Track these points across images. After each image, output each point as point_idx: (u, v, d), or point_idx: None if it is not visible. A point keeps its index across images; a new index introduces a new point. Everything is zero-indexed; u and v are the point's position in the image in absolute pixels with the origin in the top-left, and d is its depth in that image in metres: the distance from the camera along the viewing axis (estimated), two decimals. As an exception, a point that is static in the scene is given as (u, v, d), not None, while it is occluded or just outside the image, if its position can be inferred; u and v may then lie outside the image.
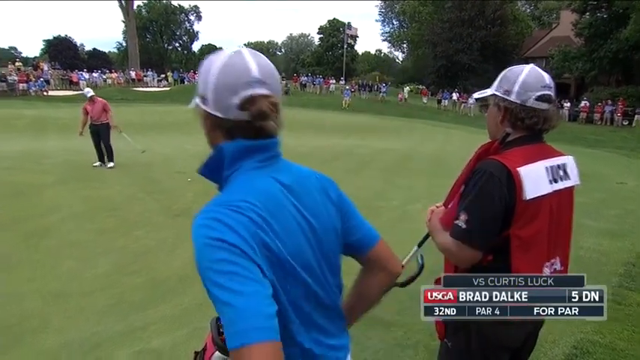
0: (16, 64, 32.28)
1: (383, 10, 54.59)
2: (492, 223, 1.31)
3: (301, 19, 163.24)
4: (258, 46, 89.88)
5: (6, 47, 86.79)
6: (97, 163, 8.52)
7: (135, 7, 42.40)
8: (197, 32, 66.60)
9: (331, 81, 34.98)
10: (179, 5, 63.19)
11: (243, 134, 0.89)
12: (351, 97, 29.20)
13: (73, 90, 27.83)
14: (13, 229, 5.04)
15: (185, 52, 65.94)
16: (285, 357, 0.80)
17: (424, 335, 2.92)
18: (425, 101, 32.02)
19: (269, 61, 0.93)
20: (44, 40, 58.53)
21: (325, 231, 0.97)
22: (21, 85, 25.09)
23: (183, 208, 5.95)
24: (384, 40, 62.56)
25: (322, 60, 58.01)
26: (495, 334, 1.37)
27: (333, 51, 56.77)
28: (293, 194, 0.92)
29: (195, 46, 68.32)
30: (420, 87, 39.61)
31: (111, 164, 8.49)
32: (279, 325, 0.78)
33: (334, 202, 1.02)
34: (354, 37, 51.01)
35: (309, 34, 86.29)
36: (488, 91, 1.48)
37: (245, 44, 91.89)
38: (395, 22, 54.49)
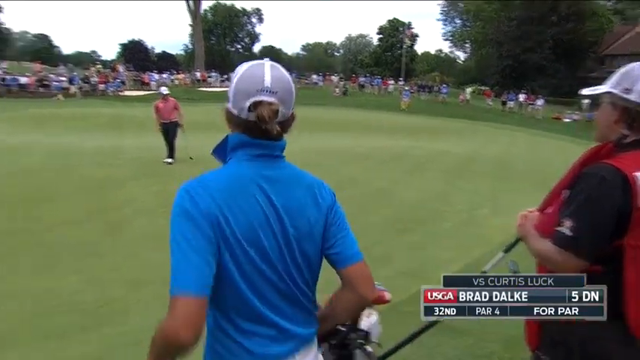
0: (97, 66, 35.23)
1: (445, 9, 52.95)
2: (602, 230, 1.23)
3: (360, 20, 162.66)
4: (316, 47, 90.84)
5: (88, 51, 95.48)
6: (168, 160, 9.08)
7: (201, 11, 44.59)
8: (258, 34, 68.86)
9: (390, 82, 34.51)
10: (242, 8, 65.65)
11: (249, 132, 1.04)
12: (411, 98, 28.62)
13: (145, 90, 29.76)
14: (98, 219, 5.54)
15: (247, 53, 68.23)
16: (240, 328, 1.02)
17: (498, 345, 2.84)
18: (489, 103, 30.68)
19: (286, 74, 1.06)
20: (120, 44, 63.46)
21: (297, 228, 1.06)
22: (100, 85, 27.35)
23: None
24: (445, 40, 60.78)
25: (380, 60, 57.35)
26: (603, 351, 1.28)
27: (392, 51, 55.86)
28: (272, 187, 1.04)
29: (256, 48, 70.54)
30: (483, 88, 38.00)
31: (170, 160, 8.94)
32: (234, 293, 1.01)
33: (321, 208, 1.10)
34: (414, 37, 50.00)
35: (368, 35, 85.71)
36: (601, 88, 1.37)
37: (303, 45, 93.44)
38: (457, 21, 52.63)
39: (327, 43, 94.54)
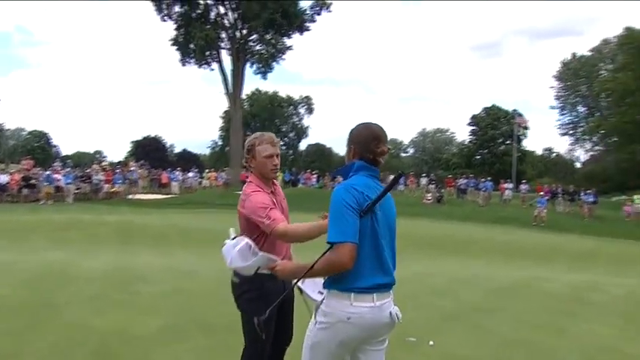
0: (102, 163, 35.88)
1: (562, 93, 52.71)
2: None
3: (436, 113, 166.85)
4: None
5: (91, 151, 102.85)
6: None
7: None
8: (306, 128, 71.07)
9: (506, 185, 32.58)
10: (287, 96, 68.96)
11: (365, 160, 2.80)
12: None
13: (163, 194, 29.19)
14: None
15: (290, 151, 70.08)
16: (363, 264, 2.51)
17: None
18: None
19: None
20: (132, 142, 67.11)
21: (388, 211, 2.75)
22: (106, 186, 26.93)
23: None
24: (563, 135, 59.41)
25: (473, 160, 56.67)
26: None
27: (491, 148, 55.31)
28: (378, 186, 2.69)
29: (303, 144, 72.43)
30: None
31: None
32: (364, 249, 2.54)
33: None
34: (525, 128, 49.19)
35: (448, 130, 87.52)
36: None
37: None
38: (581, 109, 51.96)
39: (391, 140, 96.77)
